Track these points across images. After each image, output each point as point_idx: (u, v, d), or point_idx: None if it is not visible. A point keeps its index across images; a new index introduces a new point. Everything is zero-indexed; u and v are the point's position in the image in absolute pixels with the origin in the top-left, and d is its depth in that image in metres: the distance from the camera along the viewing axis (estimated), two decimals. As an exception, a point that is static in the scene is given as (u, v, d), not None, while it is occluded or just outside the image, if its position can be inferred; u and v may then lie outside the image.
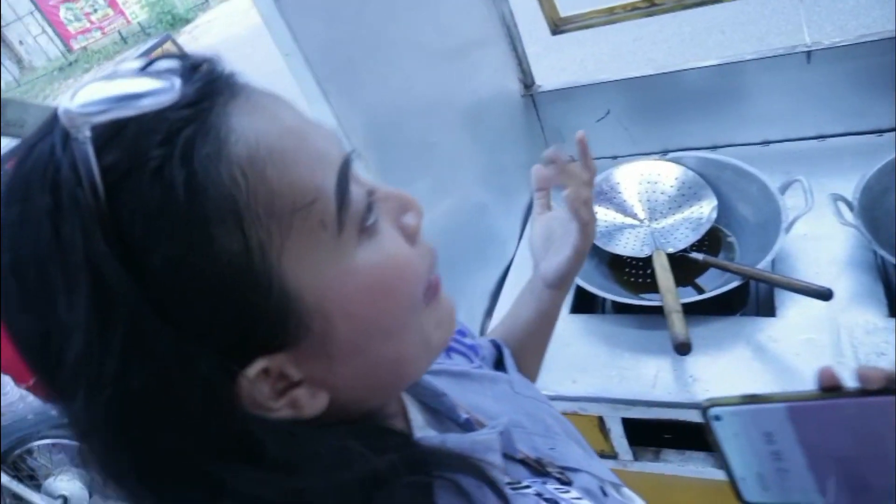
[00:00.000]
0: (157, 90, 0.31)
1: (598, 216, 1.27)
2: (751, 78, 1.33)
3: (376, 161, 0.98)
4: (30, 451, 2.50)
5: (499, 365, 0.68)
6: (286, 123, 0.35)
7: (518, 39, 1.48)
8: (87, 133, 0.30)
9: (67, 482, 2.55)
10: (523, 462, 0.49)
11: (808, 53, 1.25)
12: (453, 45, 1.27)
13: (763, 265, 1.03)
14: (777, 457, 0.45)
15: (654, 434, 1.09)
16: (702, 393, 0.96)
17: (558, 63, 1.51)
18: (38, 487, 2.49)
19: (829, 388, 0.43)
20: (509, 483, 0.45)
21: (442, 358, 0.61)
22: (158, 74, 0.33)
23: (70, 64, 14.48)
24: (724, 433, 0.46)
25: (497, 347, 0.70)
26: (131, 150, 0.31)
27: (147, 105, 0.31)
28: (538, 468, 0.49)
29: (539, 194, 0.77)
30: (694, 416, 0.98)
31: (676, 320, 0.96)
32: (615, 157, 1.51)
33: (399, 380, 0.44)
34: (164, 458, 0.33)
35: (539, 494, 0.45)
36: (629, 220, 1.27)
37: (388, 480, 0.36)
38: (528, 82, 1.52)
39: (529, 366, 0.75)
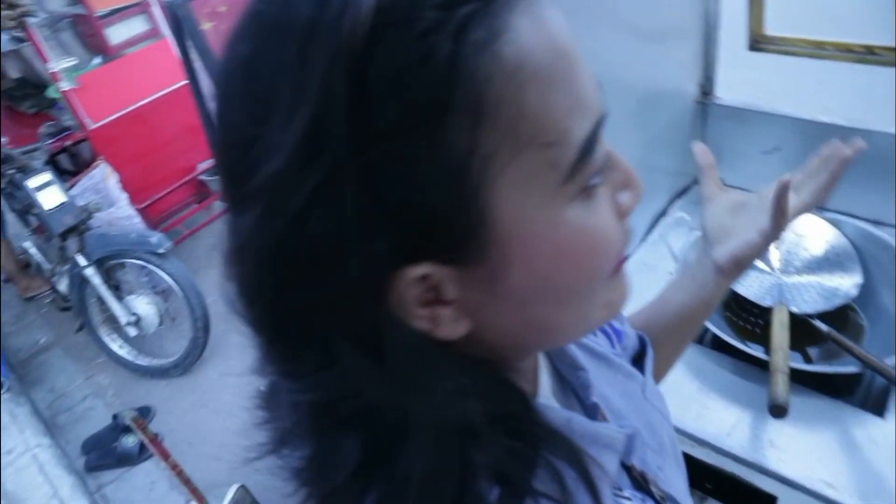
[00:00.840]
0: None
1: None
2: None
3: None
4: (122, 266, 2.72)
5: (636, 362, 0.63)
6: (564, 49, 0.32)
7: (714, 43, 1.40)
8: None
9: (145, 304, 2.76)
10: (629, 471, 0.47)
11: None
12: (649, 27, 1.21)
13: (891, 362, 0.96)
14: None
15: (700, 479, 1.06)
16: (775, 461, 0.93)
17: (738, 78, 1.42)
18: (119, 299, 2.71)
19: None
20: (612, 489, 0.43)
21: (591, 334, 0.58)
22: None
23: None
24: None
25: (642, 343, 0.65)
26: (409, 1, 0.29)
27: None
28: (641, 483, 0.47)
29: (709, 172, 0.72)
30: (756, 479, 0.95)
31: (781, 381, 0.92)
32: (767, 196, 1.43)
33: (543, 343, 0.42)
34: (296, 304, 0.32)
35: None
36: (760, 264, 1.21)
37: (488, 437, 0.35)
38: (707, 90, 1.44)
39: (665, 359, 0.70)
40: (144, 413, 2.66)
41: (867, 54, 1.32)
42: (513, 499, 0.35)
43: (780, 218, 0.62)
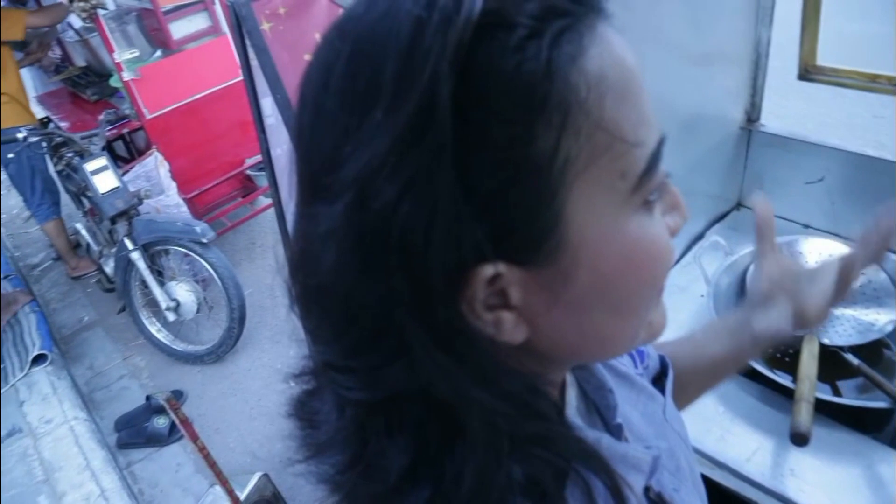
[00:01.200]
0: None
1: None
2: None
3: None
4: (167, 252, 2.81)
5: (656, 382, 0.63)
6: (633, 69, 0.35)
7: (762, 70, 1.40)
8: None
9: (185, 291, 2.85)
10: (646, 491, 0.47)
11: None
12: (697, 51, 1.22)
13: (921, 400, 0.95)
14: None
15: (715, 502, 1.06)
16: (794, 490, 0.92)
17: (786, 106, 1.41)
18: (161, 284, 2.80)
19: None
20: None
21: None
22: None
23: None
24: None
25: (663, 365, 0.65)
26: (511, 7, 0.31)
27: None
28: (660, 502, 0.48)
29: (766, 229, 0.70)
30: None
31: (804, 410, 0.91)
32: (807, 227, 1.42)
33: (593, 354, 0.43)
34: (377, 293, 0.33)
35: None
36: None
37: (526, 446, 0.36)
38: (752, 116, 1.44)
39: (686, 398, 0.70)
40: (177, 396, 2.74)
41: (920, 90, 1.31)
42: None
43: (840, 294, 0.62)
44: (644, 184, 0.35)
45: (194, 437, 1.80)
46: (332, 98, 0.33)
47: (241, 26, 1.76)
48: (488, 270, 0.33)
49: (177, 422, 1.77)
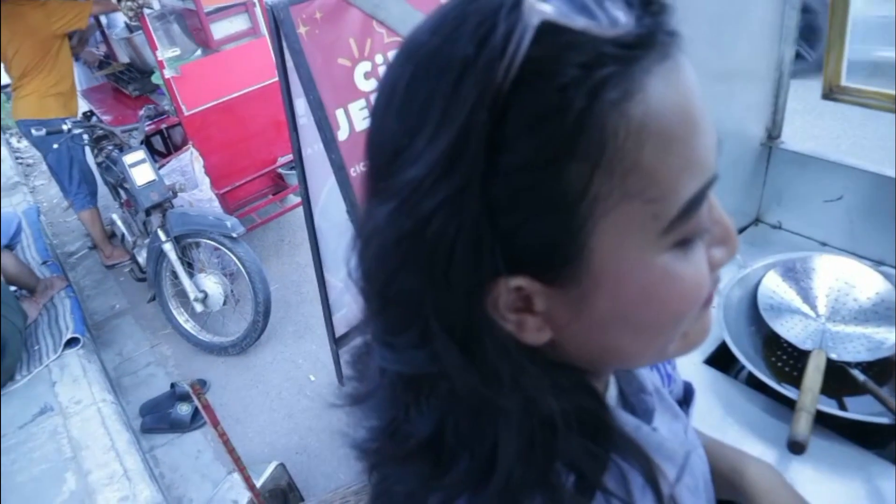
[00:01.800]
0: (607, 22, 0.32)
1: (776, 289, 1.24)
2: None
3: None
4: (197, 244, 2.89)
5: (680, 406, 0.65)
6: (689, 113, 0.35)
7: (785, 88, 1.42)
8: (536, 21, 0.32)
9: (213, 283, 2.93)
10: (659, 497, 0.49)
11: None
12: (719, 68, 1.25)
13: (923, 418, 0.96)
14: None
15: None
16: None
17: (809, 125, 1.42)
18: (190, 276, 2.88)
19: None
20: None
21: (645, 367, 0.59)
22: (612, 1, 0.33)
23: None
24: None
25: (687, 391, 0.68)
26: (555, 57, 0.32)
27: (592, 28, 0.32)
28: None
29: None
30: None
31: (803, 419, 0.93)
32: (824, 244, 1.43)
33: (615, 365, 0.45)
34: (405, 290, 0.37)
35: None
36: (805, 308, 1.22)
37: (566, 434, 0.39)
38: (773, 134, 1.46)
39: None
40: (201, 385, 2.81)
41: (944, 114, 1.31)
42: (585, 491, 0.40)
43: None
44: (677, 227, 0.36)
45: (215, 423, 1.86)
46: (392, 114, 0.36)
47: (279, 28, 1.82)
48: (512, 282, 0.36)
49: (199, 407, 1.84)
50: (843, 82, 1.44)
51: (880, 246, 1.35)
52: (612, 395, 0.51)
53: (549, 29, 0.32)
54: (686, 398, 0.67)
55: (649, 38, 0.34)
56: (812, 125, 1.44)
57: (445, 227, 0.34)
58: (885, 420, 0.97)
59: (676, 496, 0.50)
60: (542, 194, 0.34)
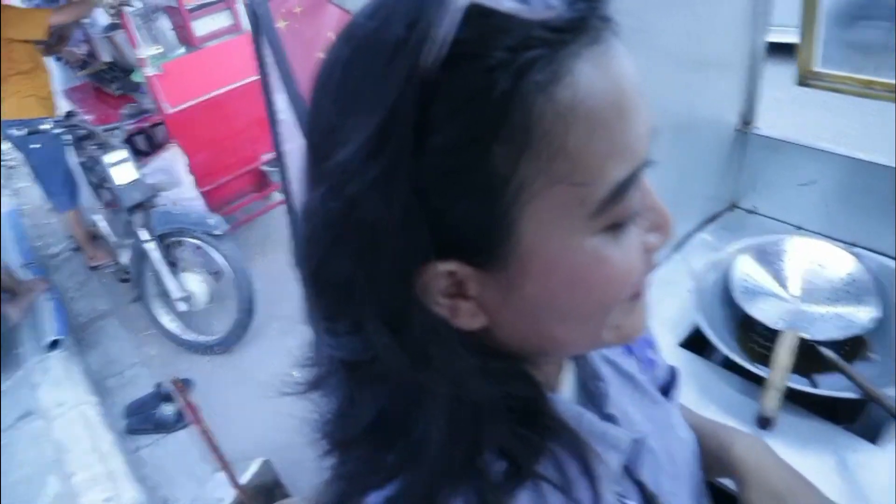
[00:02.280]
0: (540, 5, 0.33)
1: (750, 272, 1.25)
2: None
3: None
4: (181, 243, 2.87)
5: (665, 392, 0.66)
6: (619, 98, 0.35)
7: (758, 75, 1.43)
8: (464, 3, 0.32)
9: (197, 282, 2.91)
10: (640, 486, 0.50)
11: None
12: (692, 56, 1.25)
13: (891, 393, 0.97)
14: None
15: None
16: None
17: (783, 110, 1.44)
18: (174, 275, 2.86)
19: None
20: (618, 493, 0.48)
21: (618, 353, 0.60)
22: None
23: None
24: None
25: (672, 375, 0.68)
26: (482, 39, 0.32)
27: (522, 12, 0.32)
28: (650, 500, 0.50)
29: None
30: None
31: (772, 396, 0.95)
32: (799, 228, 1.44)
33: (552, 351, 0.44)
34: (337, 274, 0.37)
35: None
36: (779, 290, 1.23)
37: (495, 421, 0.39)
38: (747, 119, 1.47)
39: None
40: (185, 384, 2.80)
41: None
42: (515, 477, 0.40)
43: None
44: (605, 211, 0.36)
45: (198, 420, 1.86)
46: (328, 95, 0.37)
47: (258, 23, 1.82)
48: (442, 266, 0.36)
49: (183, 406, 1.83)
50: (817, 68, 1.45)
51: (854, 228, 1.37)
52: (568, 381, 0.51)
53: (477, 12, 0.32)
54: (671, 382, 0.67)
55: (580, 23, 0.34)
56: (788, 110, 1.46)
57: (373, 210, 0.34)
58: (853, 395, 0.99)
59: (652, 483, 0.51)
60: (469, 177, 0.34)
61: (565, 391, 0.50)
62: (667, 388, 0.67)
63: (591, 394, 0.52)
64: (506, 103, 0.32)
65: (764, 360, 1.15)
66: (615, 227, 0.37)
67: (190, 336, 3.04)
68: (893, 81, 1.33)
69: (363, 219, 0.34)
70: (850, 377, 1.02)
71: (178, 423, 2.67)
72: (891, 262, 1.21)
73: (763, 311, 1.18)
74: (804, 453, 0.97)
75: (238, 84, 3.43)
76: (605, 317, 0.40)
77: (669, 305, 1.26)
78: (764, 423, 0.93)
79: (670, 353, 1.19)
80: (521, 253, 0.36)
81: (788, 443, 0.98)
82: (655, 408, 0.59)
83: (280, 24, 1.87)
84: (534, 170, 0.34)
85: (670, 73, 1.20)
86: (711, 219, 1.52)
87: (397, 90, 0.32)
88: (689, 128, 1.34)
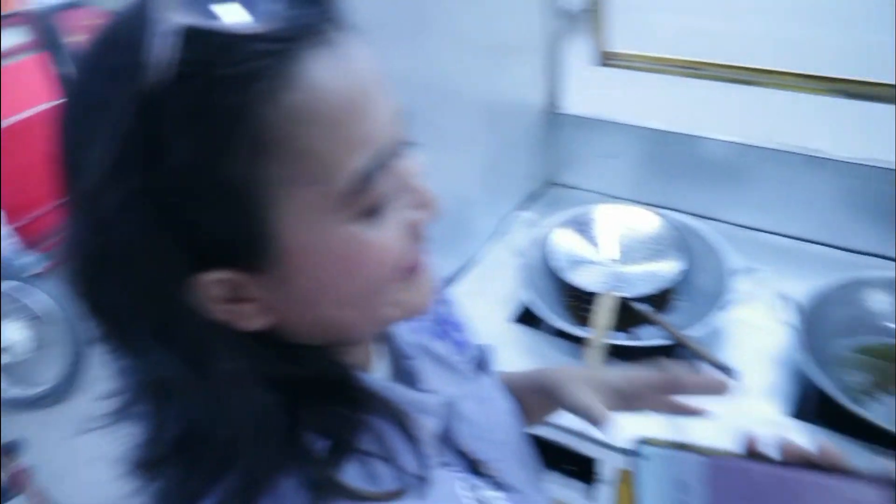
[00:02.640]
0: (263, 16, 0.33)
1: (567, 243, 1.32)
2: (758, 163, 1.37)
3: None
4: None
5: (481, 370, 0.69)
6: (353, 94, 0.36)
7: (559, 58, 1.51)
8: (181, 26, 0.32)
9: (15, 331, 2.62)
10: (465, 456, 0.53)
11: (817, 159, 1.30)
12: (491, 43, 1.29)
13: (694, 335, 1.07)
14: None
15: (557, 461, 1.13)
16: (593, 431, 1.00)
17: (588, 90, 1.54)
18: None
19: (752, 453, 0.45)
20: (443, 463, 0.49)
21: (429, 338, 0.62)
22: None
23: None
24: (646, 473, 0.47)
25: (484, 352, 0.71)
26: (207, 57, 0.32)
27: (243, 27, 0.33)
28: (476, 467, 0.53)
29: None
30: (575, 445, 1.03)
31: (594, 354, 1.00)
32: (611, 196, 1.54)
33: (342, 336, 0.46)
34: (103, 299, 0.38)
35: (469, 487, 0.49)
36: (596, 256, 1.31)
37: (310, 402, 0.41)
38: (553, 101, 1.55)
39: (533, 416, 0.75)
40: (12, 448, 2.51)
41: (698, 69, 1.46)
42: (337, 454, 0.41)
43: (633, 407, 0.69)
44: (353, 201, 0.37)
45: (29, 487, 1.67)
46: (67, 124, 0.37)
47: (46, 38, 1.67)
48: (211, 276, 0.37)
49: (12, 472, 1.64)
50: (615, 48, 1.56)
51: (658, 192, 1.50)
52: (382, 363, 0.53)
53: (195, 33, 0.32)
54: (485, 359, 0.71)
55: (305, 30, 0.35)
56: (598, 89, 1.56)
57: (122, 234, 0.35)
58: (665, 342, 1.07)
59: (475, 451, 0.53)
60: (210, 190, 0.34)
61: (378, 371, 0.52)
62: (482, 366, 0.70)
63: (404, 372, 0.54)
64: (234, 115, 0.33)
65: (586, 322, 1.22)
66: (370, 213, 0.39)
67: (15, 391, 2.73)
68: (683, 58, 1.46)
69: (114, 242, 0.35)
70: (664, 327, 1.10)
71: (9, 492, 2.39)
72: (690, 220, 1.33)
73: (583, 278, 1.25)
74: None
75: (44, 106, 3.12)
76: (378, 296, 0.42)
77: (500, 285, 1.30)
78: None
79: (504, 329, 1.22)
80: (284, 252, 0.37)
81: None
82: (470, 383, 0.62)
83: (72, 38, 1.73)
84: (273, 175, 0.35)
85: (474, 60, 1.24)
86: (531, 197, 1.59)
87: (126, 115, 0.33)
88: (498, 111, 1.38)
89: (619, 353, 1.08)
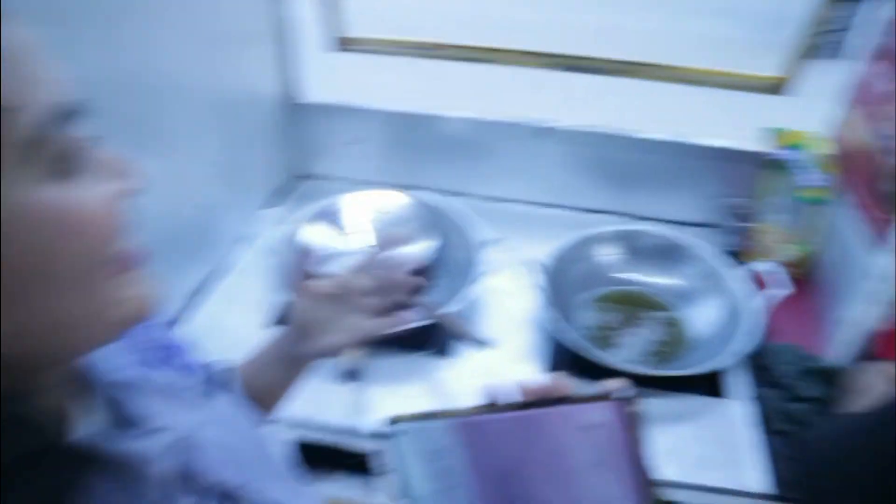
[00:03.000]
0: None
1: (322, 238, 1.27)
2: (496, 138, 1.44)
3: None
4: None
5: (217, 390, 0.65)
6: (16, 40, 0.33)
7: (291, 45, 1.44)
8: None
9: None
10: (214, 488, 0.48)
11: (546, 129, 1.39)
12: (215, 33, 1.18)
13: (453, 310, 1.08)
14: (448, 474, 0.46)
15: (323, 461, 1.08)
16: (366, 422, 0.98)
17: (329, 77, 1.50)
18: None
19: (494, 403, 0.45)
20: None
21: (149, 370, 0.57)
22: None
23: None
24: (403, 450, 0.47)
25: (209, 373, 0.66)
26: None
27: None
28: (231, 496, 0.49)
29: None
30: (344, 443, 1.00)
31: (349, 352, 0.97)
32: (356, 181, 1.51)
33: (63, 345, 0.39)
34: None
35: None
36: (347, 245, 1.28)
37: (15, 478, 0.36)
38: (290, 91, 1.48)
39: (272, 400, 0.77)
40: None
41: (434, 50, 1.49)
42: None
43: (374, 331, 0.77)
44: (37, 150, 0.33)
45: None
46: None
47: None
48: None
49: None
50: (352, 34, 1.53)
51: (408, 174, 1.51)
52: (94, 414, 0.46)
53: None
54: (217, 379, 0.66)
55: None
56: (333, 75, 1.52)
57: None
58: (424, 322, 1.07)
59: (227, 480, 0.50)
60: None
61: (88, 425, 0.45)
62: (216, 385, 0.65)
63: (123, 417, 0.48)
64: None
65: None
66: (63, 173, 0.35)
67: None
68: (418, 39, 1.48)
69: None
70: (420, 307, 1.10)
71: None
72: (439, 197, 1.35)
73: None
74: (399, 387, 1.03)
75: None
76: (94, 283, 0.37)
77: (253, 289, 1.23)
78: (352, 375, 0.95)
79: (261, 336, 1.14)
80: None
81: (385, 383, 1.02)
82: (204, 408, 0.58)
83: None
84: None
85: (195, 52, 1.12)
86: (278, 193, 1.51)
87: None
88: (230, 106, 1.28)
89: (388, 343, 1.06)
